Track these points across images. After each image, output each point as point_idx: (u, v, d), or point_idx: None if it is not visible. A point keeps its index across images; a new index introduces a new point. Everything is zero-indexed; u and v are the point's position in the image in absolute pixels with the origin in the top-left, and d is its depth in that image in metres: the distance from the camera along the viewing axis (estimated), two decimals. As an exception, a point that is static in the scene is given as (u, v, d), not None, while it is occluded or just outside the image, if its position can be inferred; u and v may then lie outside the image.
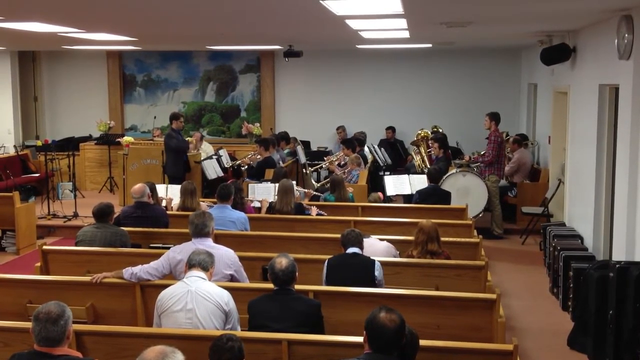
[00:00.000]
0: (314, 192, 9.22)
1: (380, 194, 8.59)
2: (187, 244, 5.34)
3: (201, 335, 4.13)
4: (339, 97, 14.82)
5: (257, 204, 8.22)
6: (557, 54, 8.87)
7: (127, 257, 5.96)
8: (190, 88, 15.35)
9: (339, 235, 5.59)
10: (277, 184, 8.03)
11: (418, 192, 8.77)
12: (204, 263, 4.58)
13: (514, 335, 5.20)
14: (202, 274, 4.53)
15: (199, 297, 4.38)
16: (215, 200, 7.38)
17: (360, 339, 3.58)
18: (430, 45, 12.10)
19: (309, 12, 6.81)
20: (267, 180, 9.36)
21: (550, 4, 6.23)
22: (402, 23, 7.81)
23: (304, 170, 11.65)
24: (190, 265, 4.58)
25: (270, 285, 4.82)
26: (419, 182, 9.38)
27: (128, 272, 5.19)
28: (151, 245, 6.70)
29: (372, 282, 5.19)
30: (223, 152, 11.77)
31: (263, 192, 8.43)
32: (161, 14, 7.02)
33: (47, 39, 10.18)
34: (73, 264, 6.10)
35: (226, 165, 11.41)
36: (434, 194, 8.56)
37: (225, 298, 4.45)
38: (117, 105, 15.29)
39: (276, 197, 7.84)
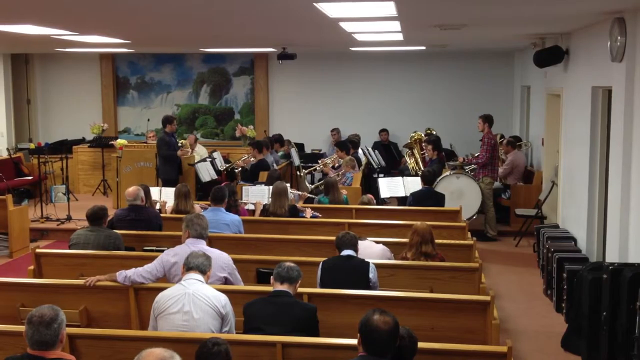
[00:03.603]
0: (309, 195, 9.22)
1: (370, 195, 8.57)
2: (181, 246, 5.34)
3: (196, 338, 4.11)
4: (333, 99, 14.84)
5: (251, 207, 8.21)
6: (550, 56, 8.90)
7: (121, 260, 5.95)
8: (183, 90, 15.33)
9: (333, 238, 5.59)
10: (271, 187, 8.02)
11: (412, 194, 8.77)
12: (202, 266, 4.58)
13: (508, 337, 5.21)
14: (199, 276, 4.53)
15: (196, 300, 4.37)
16: (209, 202, 7.38)
17: (354, 342, 3.58)
18: (423, 47, 12.12)
19: (302, 14, 6.81)
20: (261, 183, 9.35)
21: (543, 6, 6.25)
22: (396, 25, 7.82)
23: (298, 173, 11.65)
24: (188, 267, 4.57)
25: (265, 288, 4.83)
26: (413, 184, 9.39)
27: (122, 275, 5.18)
28: (145, 248, 6.69)
29: (367, 285, 5.19)
30: (217, 155, 11.76)
31: (257, 195, 8.41)
32: (154, 16, 7.01)
33: (40, 42, 10.15)
34: (66, 267, 6.08)
35: (220, 168, 11.40)
36: (428, 196, 8.56)
37: (222, 301, 4.45)
38: (110, 107, 15.26)
39: (270, 199, 7.83)
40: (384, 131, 14.36)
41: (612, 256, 6.37)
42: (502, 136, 12.49)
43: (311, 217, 7.69)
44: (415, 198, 8.62)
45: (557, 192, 9.36)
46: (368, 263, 5.29)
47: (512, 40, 10.61)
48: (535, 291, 7.92)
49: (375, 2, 5.92)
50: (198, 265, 4.56)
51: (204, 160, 11.21)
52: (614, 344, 5.39)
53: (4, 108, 14.23)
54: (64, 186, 12.05)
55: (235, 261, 5.40)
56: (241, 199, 8.21)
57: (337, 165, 11.29)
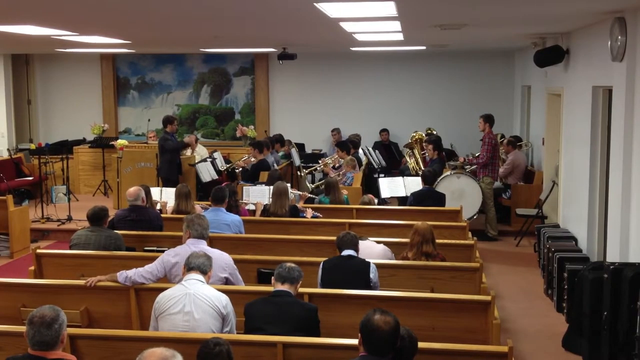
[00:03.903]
0: (309, 195, 9.22)
1: (370, 196, 8.57)
2: (182, 247, 5.34)
3: (196, 338, 4.11)
4: (334, 99, 14.84)
5: (252, 207, 8.21)
6: (551, 56, 8.90)
7: (122, 261, 5.95)
8: (184, 91, 15.33)
9: (334, 238, 5.59)
10: (271, 187, 8.02)
11: (412, 194, 8.77)
12: (202, 266, 4.58)
13: (509, 337, 5.20)
14: (200, 276, 4.53)
15: (197, 300, 4.38)
16: (209, 203, 7.38)
17: (355, 342, 3.58)
18: (424, 47, 12.12)
19: (303, 14, 6.81)
20: (261, 183, 9.35)
21: (543, 6, 6.25)
22: (396, 25, 7.82)
23: (299, 173, 11.65)
24: (189, 268, 4.57)
25: (266, 288, 4.83)
26: (414, 184, 9.39)
27: (122, 275, 5.18)
28: (145, 248, 6.69)
29: (368, 285, 5.19)
30: (217, 155, 11.76)
31: (257, 195, 8.41)
32: (154, 16, 7.01)
33: (40, 42, 10.15)
34: (67, 268, 6.09)
35: (220, 168, 11.40)
36: (429, 196, 8.56)
37: (223, 301, 4.45)
38: (111, 108, 15.27)
39: (270, 199, 7.83)
40: (384, 131, 14.36)
41: (613, 256, 6.37)
42: (502, 136, 12.49)
43: (312, 217, 7.69)
44: (416, 198, 8.62)
45: (557, 192, 9.35)
46: (369, 263, 5.29)
47: (513, 39, 10.60)
48: (536, 291, 7.92)
49: (375, 2, 5.92)
50: (199, 266, 4.57)
51: (204, 160, 11.22)
52: (615, 344, 5.39)
53: (4, 108, 14.24)
54: (65, 187, 12.06)
55: (236, 261, 5.40)
56: (242, 199, 8.21)
57: (337, 165, 11.29)
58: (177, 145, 10.75)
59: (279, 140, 12.65)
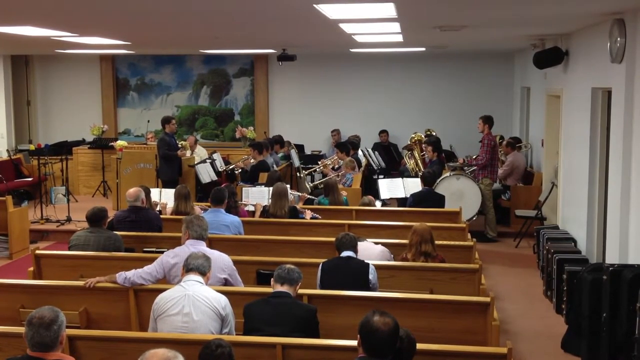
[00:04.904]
0: (308, 195, 9.22)
1: (370, 197, 8.58)
2: (181, 247, 5.34)
3: (196, 339, 4.11)
4: (333, 100, 14.84)
5: (251, 208, 8.21)
6: (550, 57, 8.90)
7: (121, 262, 5.95)
8: (184, 92, 15.33)
9: (333, 239, 5.60)
10: (271, 188, 8.02)
11: (412, 195, 8.77)
12: (201, 267, 4.58)
13: (508, 339, 5.21)
14: (199, 278, 4.53)
15: (196, 301, 4.38)
16: (209, 204, 7.38)
17: (354, 343, 3.58)
18: (423, 48, 12.12)
19: (302, 16, 6.82)
20: (261, 184, 9.35)
21: (543, 7, 6.25)
22: (396, 27, 7.82)
23: (298, 174, 11.66)
24: (188, 269, 4.57)
25: (265, 289, 4.83)
26: (413, 185, 9.39)
27: (122, 276, 5.18)
28: (145, 249, 6.69)
29: (367, 286, 5.19)
30: (217, 156, 11.77)
31: (257, 196, 8.41)
32: (154, 18, 7.01)
33: (40, 43, 10.16)
34: (66, 269, 6.08)
35: (220, 169, 11.40)
36: (428, 198, 8.57)
37: (222, 303, 4.45)
38: (110, 109, 15.27)
39: (270, 200, 7.84)
40: (383, 132, 14.37)
41: (612, 257, 6.37)
42: (501, 137, 12.50)
43: (311, 218, 7.70)
44: (415, 199, 8.62)
45: (557, 193, 9.35)
46: (368, 264, 5.29)
47: (512, 41, 10.61)
48: (535, 292, 7.92)
49: (375, 4, 5.92)
50: (198, 267, 4.56)
51: (204, 161, 11.23)
52: (614, 345, 5.39)
53: (4, 109, 14.23)
54: (64, 187, 12.05)
55: (235, 262, 5.40)
56: (241, 200, 8.22)
57: (337, 166, 11.29)
58: (168, 154, 10.66)
59: (279, 141, 12.67)
